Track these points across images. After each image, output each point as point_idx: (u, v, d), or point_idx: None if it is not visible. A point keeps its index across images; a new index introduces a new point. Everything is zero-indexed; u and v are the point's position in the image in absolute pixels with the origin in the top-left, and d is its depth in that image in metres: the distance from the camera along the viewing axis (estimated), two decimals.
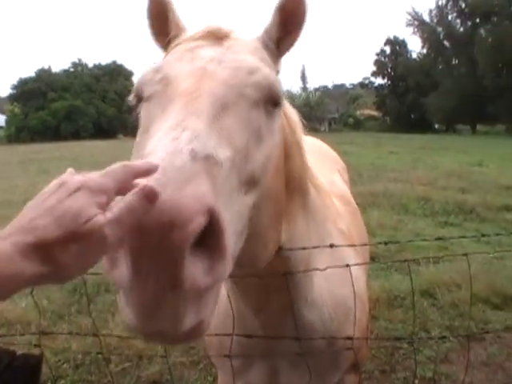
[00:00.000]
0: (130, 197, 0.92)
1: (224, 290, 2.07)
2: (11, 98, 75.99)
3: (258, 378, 2.22)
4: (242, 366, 2.14)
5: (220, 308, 2.17)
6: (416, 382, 4.47)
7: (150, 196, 0.90)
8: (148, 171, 0.96)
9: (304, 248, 1.84)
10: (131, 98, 1.33)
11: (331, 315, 2.06)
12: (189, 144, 0.99)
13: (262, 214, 1.26)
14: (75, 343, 4.90)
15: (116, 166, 0.97)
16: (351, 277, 1.99)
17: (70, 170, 1.03)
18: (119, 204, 0.91)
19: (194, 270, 0.86)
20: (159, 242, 0.87)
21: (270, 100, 1.27)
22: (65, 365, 4.68)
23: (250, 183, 1.17)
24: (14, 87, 74.55)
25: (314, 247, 1.91)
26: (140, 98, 1.31)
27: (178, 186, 0.91)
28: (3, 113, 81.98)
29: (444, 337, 4.94)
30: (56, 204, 0.92)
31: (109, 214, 0.90)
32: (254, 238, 1.25)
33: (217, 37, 1.37)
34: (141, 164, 0.97)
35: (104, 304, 6.09)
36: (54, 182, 0.99)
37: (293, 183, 1.71)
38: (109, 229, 0.89)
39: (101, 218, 0.89)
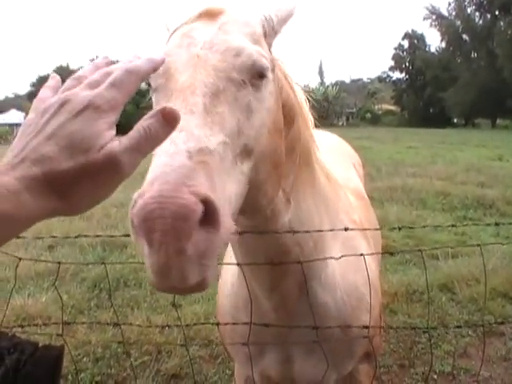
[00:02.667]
0: (147, 120, 0.86)
1: (235, 272, 2.15)
2: (30, 96, 76.66)
3: (272, 365, 2.24)
4: (256, 352, 2.16)
5: (230, 290, 2.26)
6: (435, 376, 4.46)
7: (169, 119, 0.87)
8: (153, 70, 0.96)
9: (320, 231, 1.92)
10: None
11: (344, 298, 2.08)
12: (184, 144, 1.15)
13: (259, 173, 1.41)
14: (95, 337, 4.94)
15: (119, 71, 0.89)
16: (366, 264, 2.00)
17: (53, 75, 1.02)
18: (137, 127, 0.85)
19: (195, 241, 1.05)
20: (165, 228, 1.02)
21: (255, 75, 1.38)
22: (85, 358, 4.72)
23: (245, 153, 1.33)
24: (33, 85, 75.19)
25: (329, 230, 1.98)
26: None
27: (177, 183, 1.06)
28: (23, 110, 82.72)
29: (459, 326, 4.91)
30: (61, 128, 0.82)
31: (124, 140, 0.83)
32: (253, 190, 1.40)
33: (212, 15, 1.47)
34: (144, 65, 0.93)
35: (123, 299, 6.14)
36: (54, 100, 0.87)
37: (298, 152, 1.82)
38: (125, 157, 0.82)
39: (116, 145, 0.82)
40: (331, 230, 2.02)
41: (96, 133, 0.82)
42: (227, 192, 1.21)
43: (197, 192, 1.05)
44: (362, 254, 2.05)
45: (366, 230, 2.37)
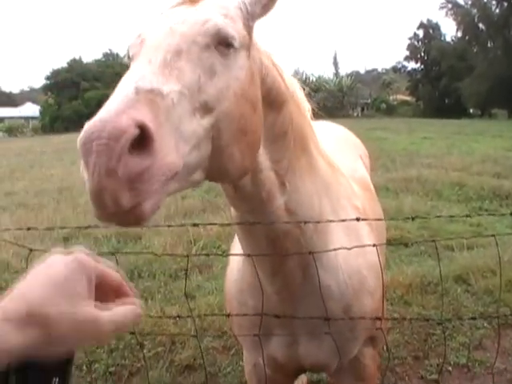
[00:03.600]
0: (127, 309, 1.07)
1: (241, 258, 2.20)
2: (45, 89, 77.15)
3: (279, 349, 2.29)
4: (263, 336, 2.18)
5: (236, 275, 2.32)
6: (449, 368, 4.44)
7: (137, 317, 1.10)
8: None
9: (324, 221, 1.98)
10: (127, 60, 1.57)
11: (346, 281, 2.13)
12: (135, 83, 1.25)
13: (222, 132, 1.46)
14: None
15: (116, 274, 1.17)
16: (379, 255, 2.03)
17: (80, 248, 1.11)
18: (121, 309, 1.06)
19: (126, 162, 1.12)
20: (100, 149, 1.11)
21: (221, 42, 1.49)
22: (99, 349, 4.76)
23: (205, 109, 1.40)
24: (48, 78, 75.62)
25: (339, 220, 2.04)
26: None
27: (118, 110, 1.15)
28: (38, 103, 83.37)
29: (474, 318, 4.88)
30: (70, 289, 0.96)
31: (111, 316, 1.01)
32: (217, 150, 1.46)
33: (194, 1, 1.60)
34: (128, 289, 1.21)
35: (137, 290, 6.14)
36: (71, 259, 1.02)
37: (290, 137, 1.89)
38: (108, 327, 0.99)
39: (105, 321, 0.99)
40: (343, 221, 2.07)
41: (94, 313, 0.98)
42: (177, 134, 1.28)
43: (133, 117, 1.14)
44: (374, 245, 2.08)
45: (370, 220, 2.39)
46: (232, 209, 1.95)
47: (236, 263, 2.32)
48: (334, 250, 2.02)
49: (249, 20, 1.65)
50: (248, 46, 1.62)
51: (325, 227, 2.04)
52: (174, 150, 1.26)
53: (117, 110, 1.15)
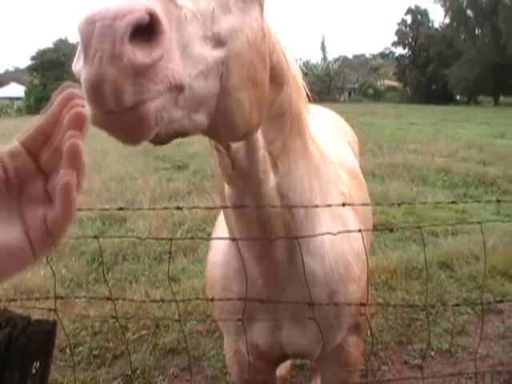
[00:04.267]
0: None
1: (227, 241, 2.15)
2: (30, 69, 76.37)
3: (261, 334, 2.27)
4: (245, 322, 2.16)
5: (222, 259, 2.28)
6: (432, 353, 4.47)
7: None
8: None
9: (316, 206, 1.97)
10: None
11: (332, 266, 2.12)
12: None
13: (231, 73, 1.38)
14: (93, 311, 4.95)
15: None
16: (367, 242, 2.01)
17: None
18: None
19: (132, 49, 0.97)
20: (104, 31, 0.96)
21: None
22: (83, 332, 4.74)
23: (217, 42, 1.30)
24: (33, 58, 74.87)
25: (327, 205, 2.02)
26: None
27: None
28: (23, 84, 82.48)
29: (458, 305, 4.91)
30: None
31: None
32: (226, 94, 1.38)
33: None
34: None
35: (122, 273, 6.15)
36: None
37: (290, 116, 1.86)
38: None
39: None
40: (329, 206, 2.07)
41: None
42: (186, 53, 1.16)
43: (144, 3, 0.99)
44: (360, 230, 2.07)
45: (356, 205, 2.40)
46: (226, 189, 1.88)
47: (221, 247, 2.29)
48: (321, 234, 2.01)
49: None
50: (262, 3, 1.57)
51: (313, 212, 2.03)
52: (181, 64, 1.14)
53: None
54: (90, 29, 0.97)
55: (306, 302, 2.03)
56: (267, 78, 1.61)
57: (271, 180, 1.83)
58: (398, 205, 2.35)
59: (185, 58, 1.14)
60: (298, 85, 2.00)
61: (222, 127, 1.48)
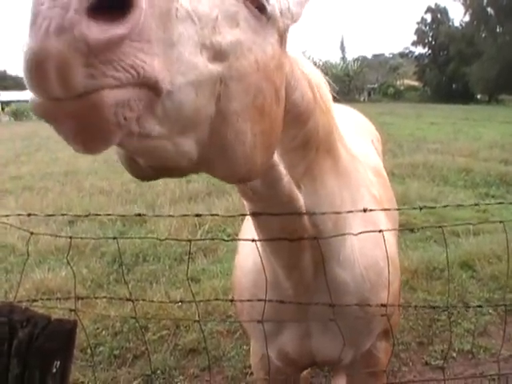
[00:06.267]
0: None
1: (256, 249, 2.05)
2: None
3: (291, 341, 2.22)
4: (274, 329, 2.14)
5: (252, 267, 2.20)
6: (454, 354, 4.43)
7: None
8: None
9: (338, 213, 1.84)
10: None
11: (363, 274, 2.05)
12: None
13: (232, 97, 1.18)
14: (113, 311, 4.98)
15: None
16: (384, 239, 1.96)
17: None
18: None
19: (88, 21, 0.78)
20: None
21: (253, 1, 1.23)
22: (103, 332, 4.77)
23: (216, 54, 1.11)
24: None
25: (348, 211, 1.90)
26: None
27: None
28: None
29: (480, 306, 4.86)
30: None
31: None
32: (224, 121, 1.19)
33: None
34: None
35: (142, 273, 6.18)
36: None
37: (317, 141, 1.72)
38: None
39: None
40: (350, 212, 1.95)
41: None
42: (173, 52, 0.97)
43: None
44: (380, 231, 2.00)
45: (385, 210, 2.31)
46: (246, 204, 1.79)
47: (251, 252, 2.15)
48: (349, 233, 1.94)
49: (288, 19, 1.42)
50: (282, 33, 1.38)
51: (343, 223, 1.94)
52: (161, 62, 0.94)
53: None
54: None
55: (330, 305, 1.95)
56: (280, 114, 1.43)
57: (296, 201, 1.72)
58: (420, 209, 2.30)
59: (170, 59, 0.96)
60: (324, 104, 1.80)
61: (217, 163, 1.26)
